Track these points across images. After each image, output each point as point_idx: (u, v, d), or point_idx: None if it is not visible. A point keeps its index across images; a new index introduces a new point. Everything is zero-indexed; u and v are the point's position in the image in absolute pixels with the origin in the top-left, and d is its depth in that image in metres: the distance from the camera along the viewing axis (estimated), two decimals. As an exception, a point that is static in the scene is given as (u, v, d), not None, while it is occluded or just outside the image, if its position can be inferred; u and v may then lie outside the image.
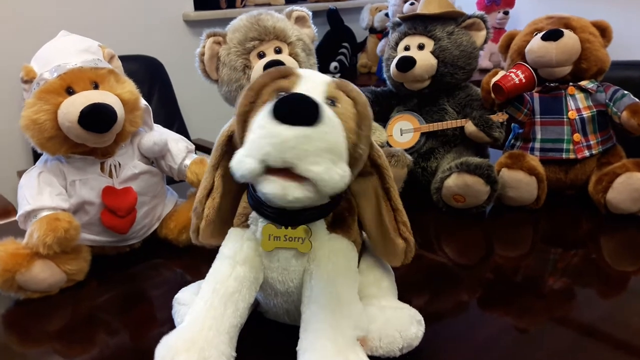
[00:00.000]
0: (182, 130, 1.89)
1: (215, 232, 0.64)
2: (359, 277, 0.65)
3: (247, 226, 0.63)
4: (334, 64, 2.52)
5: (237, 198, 0.65)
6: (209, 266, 0.63)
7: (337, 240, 0.62)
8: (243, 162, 0.49)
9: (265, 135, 0.48)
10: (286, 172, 0.48)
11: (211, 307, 0.58)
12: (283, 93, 0.55)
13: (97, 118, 0.77)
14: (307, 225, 0.60)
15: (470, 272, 0.85)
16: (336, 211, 0.62)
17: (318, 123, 0.48)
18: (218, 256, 0.63)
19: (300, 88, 0.56)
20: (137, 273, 0.88)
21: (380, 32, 2.59)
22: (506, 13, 2.52)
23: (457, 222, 1.02)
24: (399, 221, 0.62)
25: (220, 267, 0.62)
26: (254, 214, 0.62)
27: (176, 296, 0.69)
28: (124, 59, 1.77)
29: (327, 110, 0.50)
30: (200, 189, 0.63)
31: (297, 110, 0.48)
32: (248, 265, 0.61)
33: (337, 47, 2.57)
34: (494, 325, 0.71)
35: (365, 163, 0.59)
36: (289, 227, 0.59)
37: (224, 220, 0.64)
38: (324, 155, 0.48)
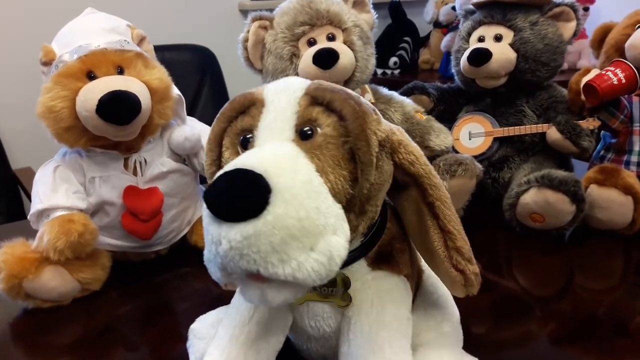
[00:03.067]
0: None
1: None
2: (414, 319, 0.52)
3: None
4: (393, 59, 2.41)
5: None
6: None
7: (382, 279, 0.49)
8: (209, 269, 0.38)
9: (210, 240, 0.37)
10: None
11: (228, 359, 0.48)
12: (249, 135, 0.43)
13: (117, 107, 0.69)
14: (345, 270, 0.48)
15: (544, 302, 0.74)
16: (381, 242, 0.49)
17: (267, 208, 0.35)
18: (237, 294, 0.53)
19: (264, 123, 0.43)
20: (162, 283, 0.81)
21: (445, 27, 2.46)
22: (586, 9, 2.30)
23: (533, 245, 0.88)
24: (450, 247, 0.47)
25: (240, 307, 0.51)
26: None
27: (192, 327, 0.60)
28: (175, 48, 1.76)
29: (281, 180, 0.36)
30: None
31: (230, 202, 0.35)
32: (267, 316, 0.50)
33: (398, 42, 2.46)
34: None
35: (393, 172, 0.46)
36: None
37: None
38: (288, 247, 0.35)
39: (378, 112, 0.45)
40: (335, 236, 0.37)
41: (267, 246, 0.34)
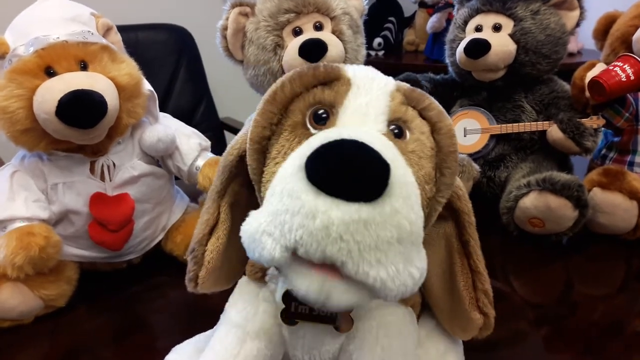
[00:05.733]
0: (210, 108, 1.78)
1: (221, 279, 0.47)
2: (418, 352, 0.49)
3: (264, 281, 0.46)
4: (377, 40, 2.35)
5: None
6: (223, 292, 0.49)
7: (388, 309, 0.45)
8: (260, 243, 0.32)
9: (296, 210, 0.30)
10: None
11: None
12: (322, 111, 0.37)
13: (79, 109, 0.61)
14: None
15: (539, 307, 0.72)
16: None
17: (384, 197, 0.29)
18: (223, 319, 0.48)
19: (354, 104, 0.37)
20: (135, 294, 0.76)
21: (431, 7, 2.39)
22: None
23: (531, 250, 0.85)
24: (478, 289, 0.44)
25: (225, 338, 0.46)
26: (273, 270, 0.45)
27: (167, 358, 0.54)
28: (149, 27, 1.68)
29: (398, 172, 0.31)
30: (200, 224, 0.45)
31: (350, 176, 0.29)
32: (263, 340, 0.45)
33: (382, 22, 2.40)
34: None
35: None
36: None
37: (233, 262, 0.48)
38: (391, 250, 0.30)
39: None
40: (422, 250, 0.33)
41: (372, 240, 0.29)
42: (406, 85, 0.40)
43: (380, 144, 0.32)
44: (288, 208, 0.30)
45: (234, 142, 0.43)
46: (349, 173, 0.29)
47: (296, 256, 0.31)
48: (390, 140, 0.36)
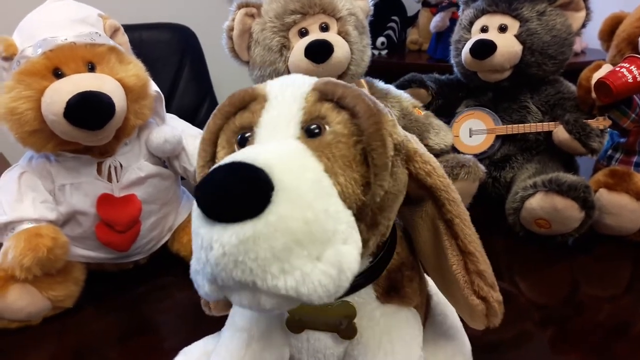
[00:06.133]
0: (213, 107, 1.67)
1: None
2: (424, 354, 0.47)
3: None
4: (381, 39, 2.34)
5: None
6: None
7: (391, 315, 0.44)
8: (196, 282, 0.33)
9: (200, 245, 0.31)
10: None
11: None
12: (248, 134, 0.38)
13: (87, 111, 0.61)
14: (351, 298, 0.43)
15: (545, 307, 0.72)
16: (390, 267, 0.44)
17: (269, 207, 0.29)
18: (228, 324, 0.48)
19: (266, 119, 0.37)
20: (142, 295, 0.76)
21: (434, 6, 2.38)
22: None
23: (536, 251, 0.84)
24: (471, 271, 0.41)
25: (230, 342, 0.46)
26: None
27: (176, 360, 0.54)
28: (153, 27, 1.67)
29: (286, 176, 0.31)
30: None
31: (225, 199, 0.29)
32: (268, 342, 0.45)
33: (385, 21, 2.38)
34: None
35: (408, 184, 0.40)
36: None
37: None
38: (292, 255, 0.30)
39: (393, 115, 0.40)
40: (346, 245, 0.32)
41: (267, 252, 0.29)
42: (322, 81, 0.39)
43: (271, 156, 0.32)
44: (197, 244, 0.31)
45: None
46: (224, 196, 0.29)
47: None
48: (303, 142, 0.35)
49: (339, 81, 0.38)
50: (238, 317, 0.46)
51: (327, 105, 0.37)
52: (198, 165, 0.41)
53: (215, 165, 0.31)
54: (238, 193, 0.29)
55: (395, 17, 2.40)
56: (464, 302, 0.42)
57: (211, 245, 0.29)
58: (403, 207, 0.42)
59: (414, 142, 0.40)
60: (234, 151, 0.38)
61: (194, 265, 0.32)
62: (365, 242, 0.37)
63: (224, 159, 0.32)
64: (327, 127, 0.36)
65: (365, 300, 0.43)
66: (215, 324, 0.54)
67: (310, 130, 0.36)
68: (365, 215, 0.36)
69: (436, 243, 0.43)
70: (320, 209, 0.31)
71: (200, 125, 0.83)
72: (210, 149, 0.40)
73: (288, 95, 0.38)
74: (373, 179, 0.36)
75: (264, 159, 0.31)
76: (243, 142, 0.38)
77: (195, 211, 0.31)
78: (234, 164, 0.31)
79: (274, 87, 0.39)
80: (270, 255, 0.29)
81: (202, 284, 0.32)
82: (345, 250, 0.31)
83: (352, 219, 0.34)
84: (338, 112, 0.37)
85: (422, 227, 0.43)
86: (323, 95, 0.37)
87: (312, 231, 0.30)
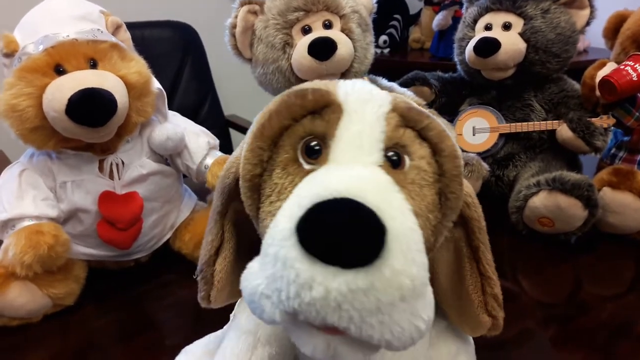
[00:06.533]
0: (215, 105, 1.76)
1: (233, 293, 0.46)
2: (429, 353, 0.48)
3: None
4: (383, 38, 2.34)
5: (257, 244, 0.46)
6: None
7: None
8: (260, 305, 0.30)
9: (291, 279, 0.28)
10: None
11: None
12: (315, 143, 0.35)
13: (89, 108, 0.61)
14: None
15: (547, 306, 0.72)
16: None
17: (382, 258, 0.28)
18: (232, 325, 0.47)
19: (346, 135, 0.35)
20: (143, 293, 0.75)
21: (437, 4, 2.37)
22: None
23: (539, 249, 0.84)
24: (487, 293, 0.43)
25: (236, 345, 0.45)
26: None
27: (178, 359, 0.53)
28: (155, 25, 1.67)
29: (396, 223, 0.29)
30: (205, 245, 0.44)
31: (345, 244, 0.27)
32: (274, 345, 0.44)
33: (387, 19, 2.37)
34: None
35: None
36: None
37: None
38: (394, 310, 0.28)
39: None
40: (428, 295, 0.31)
41: (373, 305, 0.28)
42: (403, 103, 0.37)
43: (376, 193, 0.30)
44: (283, 275, 0.29)
45: (228, 165, 0.41)
46: (343, 241, 0.27)
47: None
48: (387, 173, 0.34)
49: (421, 108, 0.37)
50: (243, 319, 0.46)
51: (409, 134, 0.35)
52: (248, 162, 0.36)
53: (321, 199, 0.29)
54: (354, 240, 0.27)
55: (397, 16, 2.40)
56: (470, 318, 0.44)
57: (311, 285, 0.28)
58: None
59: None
60: (297, 158, 0.36)
61: (263, 289, 0.30)
62: None
63: (334, 187, 0.30)
64: (406, 157, 0.35)
65: None
66: (217, 322, 0.54)
67: (390, 158, 0.35)
68: None
69: (456, 263, 0.44)
70: (420, 262, 0.30)
71: (202, 123, 0.83)
72: (267, 147, 0.36)
73: (369, 113, 0.35)
74: (442, 220, 0.36)
75: (372, 198, 0.29)
76: (311, 153, 0.35)
77: (290, 235, 0.29)
78: (357, 207, 0.29)
79: (349, 97, 0.36)
80: (374, 308, 0.28)
81: (270, 311, 0.30)
82: (429, 300, 0.31)
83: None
84: (420, 144, 0.35)
85: (444, 246, 0.43)
86: (405, 120, 0.36)
87: (416, 287, 0.29)
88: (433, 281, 0.47)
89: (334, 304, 0.27)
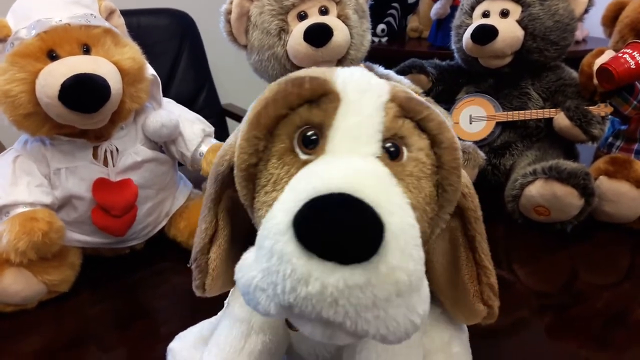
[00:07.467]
0: (212, 94, 1.77)
1: (227, 282, 0.46)
2: (423, 340, 0.48)
3: None
4: (381, 26, 2.32)
5: (252, 232, 0.46)
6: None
7: None
8: (255, 298, 0.30)
9: (287, 273, 0.28)
10: None
11: None
12: (312, 132, 0.35)
13: (82, 93, 0.60)
14: None
15: (543, 294, 0.72)
16: None
17: (379, 254, 0.28)
18: (226, 313, 0.47)
19: (344, 125, 0.34)
20: (138, 280, 0.76)
21: (435, -7, 2.36)
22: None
23: (535, 238, 0.84)
24: (483, 282, 0.43)
25: (230, 333, 0.45)
26: None
27: (171, 346, 0.54)
28: (151, 12, 1.66)
29: (393, 219, 0.29)
30: (199, 233, 0.44)
31: (342, 240, 0.27)
32: (268, 333, 0.44)
33: (385, 8, 2.35)
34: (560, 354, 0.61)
35: None
36: None
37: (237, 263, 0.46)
38: (390, 305, 0.28)
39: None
40: (424, 289, 0.31)
41: (369, 300, 0.28)
42: (402, 93, 0.36)
43: (374, 187, 0.30)
44: (279, 270, 0.28)
45: (222, 152, 0.40)
46: (342, 238, 0.27)
47: None
48: (385, 165, 0.33)
49: (420, 98, 0.36)
50: (237, 307, 0.45)
51: (408, 125, 0.35)
52: (244, 152, 0.36)
53: (319, 193, 0.29)
54: (353, 236, 0.27)
55: (395, 4, 2.38)
56: (465, 307, 0.44)
57: (307, 280, 0.27)
58: None
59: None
60: (293, 148, 0.35)
61: (258, 282, 0.30)
62: None
63: (331, 181, 0.30)
64: (404, 148, 0.35)
65: None
66: (212, 310, 0.54)
67: (388, 150, 0.34)
68: None
69: (451, 252, 0.44)
70: (417, 257, 0.30)
71: (198, 112, 0.82)
72: (264, 138, 0.35)
73: (367, 102, 0.35)
74: (439, 212, 0.35)
75: (371, 193, 0.29)
76: (308, 143, 0.35)
77: (286, 229, 0.29)
78: (355, 203, 0.28)
79: (348, 86, 0.35)
80: (370, 304, 0.28)
81: (265, 304, 0.30)
82: (424, 294, 0.31)
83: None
84: (419, 135, 0.35)
85: (439, 235, 0.43)
86: (404, 110, 0.35)
87: (412, 283, 0.29)
88: (428, 271, 0.47)
89: (330, 299, 0.27)
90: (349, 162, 0.32)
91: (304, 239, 0.28)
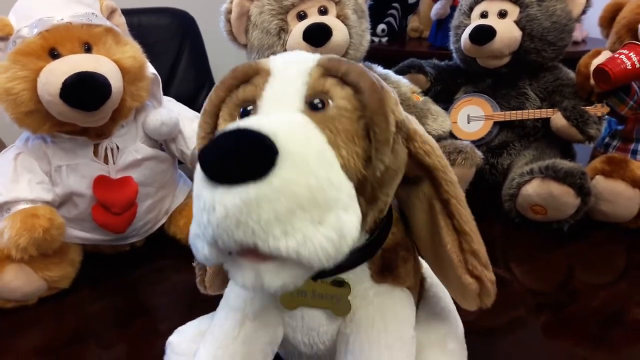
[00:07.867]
0: None
1: (226, 279, 0.47)
2: (417, 335, 0.47)
3: None
4: (381, 26, 2.32)
5: None
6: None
7: (386, 295, 0.44)
8: (195, 246, 0.33)
9: (202, 207, 0.31)
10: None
11: None
12: (250, 107, 0.38)
13: (83, 92, 0.61)
14: (345, 275, 0.43)
15: (539, 293, 0.72)
16: (385, 247, 0.44)
17: (273, 171, 0.30)
18: (222, 304, 0.48)
19: (270, 93, 0.38)
20: (138, 277, 0.76)
21: (436, -7, 2.36)
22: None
23: (532, 237, 0.84)
24: (465, 250, 0.41)
25: (224, 322, 0.46)
26: None
27: (170, 340, 0.54)
28: (152, 11, 1.66)
29: (292, 144, 0.31)
30: None
31: (229, 161, 0.29)
32: (262, 321, 0.45)
33: (386, 8, 2.36)
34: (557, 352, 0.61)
35: (407, 163, 0.41)
36: (319, 280, 0.42)
37: None
38: (295, 218, 0.30)
39: (395, 94, 0.40)
40: (347, 214, 0.33)
41: (270, 214, 0.29)
42: (325, 58, 0.39)
43: (277, 123, 0.32)
44: (199, 207, 0.31)
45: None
46: (228, 158, 0.29)
47: (229, 252, 0.32)
48: (307, 115, 0.36)
49: (342, 58, 0.39)
50: (232, 297, 0.46)
51: (331, 81, 0.37)
52: (199, 137, 0.41)
53: (220, 131, 0.31)
54: (242, 155, 0.29)
55: (396, 4, 2.38)
56: (457, 282, 0.43)
57: (213, 206, 0.29)
58: (401, 187, 0.42)
59: (414, 122, 0.41)
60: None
61: (194, 229, 0.32)
62: (364, 216, 0.37)
63: (227, 126, 0.32)
64: (330, 101, 0.37)
65: (360, 278, 0.43)
66: (211, 307, 0.54)
67: (314, 105, 0.36)
68: (365, 189, 0.37)
69: (432, 224, 0.43)
70: (323, 176, 0.32)
71: (199, 110, 0.83)
72: (212, 120, 0.40)
73: (292, 71, 0.38)
74: (374, 154, 0.36)
75: (269, 126, 0.31)
76: (246, 115, 0.38)
77: (198, 175, 0.31)
78: (239, 130, 0.31)
79: (277, 62, 0.39)
80: (273, 218, 0.29)
81: (201, 248, 0.32)
82: (346, 217, 0.32)
83: (353, 191, 0.34)
84: (342, 87, 0.37)
85: (419, 207, 0.44)
86: (327, 71, 0.38)
87: (315, 197, 0.31)
88: (419, 248, 0.47)
89: (235, 219, 0.29)
90: (264, 116, 0.36)
91: (206, 169, 0.30)
